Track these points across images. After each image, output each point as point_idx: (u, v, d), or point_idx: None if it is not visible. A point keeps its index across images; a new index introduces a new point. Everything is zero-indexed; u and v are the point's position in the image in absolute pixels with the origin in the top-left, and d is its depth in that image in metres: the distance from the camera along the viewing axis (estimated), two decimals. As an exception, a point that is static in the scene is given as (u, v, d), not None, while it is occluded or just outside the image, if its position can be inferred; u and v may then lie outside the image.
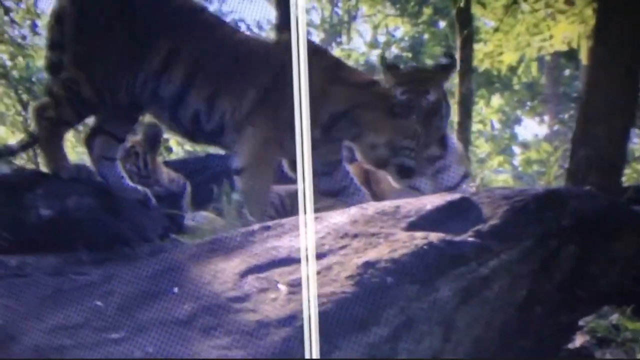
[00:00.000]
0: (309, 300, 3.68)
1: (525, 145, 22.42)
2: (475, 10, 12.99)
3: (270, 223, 4.70)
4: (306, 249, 4.01)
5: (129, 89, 6.16)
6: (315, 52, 6.38)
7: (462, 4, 12.46)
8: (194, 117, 6.23)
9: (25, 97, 21.37)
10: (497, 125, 24.15)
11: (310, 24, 25.07)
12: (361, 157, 6.48)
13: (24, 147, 6.43)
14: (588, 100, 5.88)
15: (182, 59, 6.17)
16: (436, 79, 6.52)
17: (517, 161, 21.72)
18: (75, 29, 6.17)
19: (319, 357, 3.64)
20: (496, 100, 22.24)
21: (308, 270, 3.83)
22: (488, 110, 22.70)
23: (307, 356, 3.64)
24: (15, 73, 21.13)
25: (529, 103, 22.74)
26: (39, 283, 4.64)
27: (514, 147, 23.77)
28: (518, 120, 24.22)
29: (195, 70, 6.17)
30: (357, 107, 6.34)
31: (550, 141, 17.96)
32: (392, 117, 6.33)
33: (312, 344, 3.60)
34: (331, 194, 6.52)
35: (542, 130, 22.42)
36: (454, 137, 6.87)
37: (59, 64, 6.28)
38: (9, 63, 21.22)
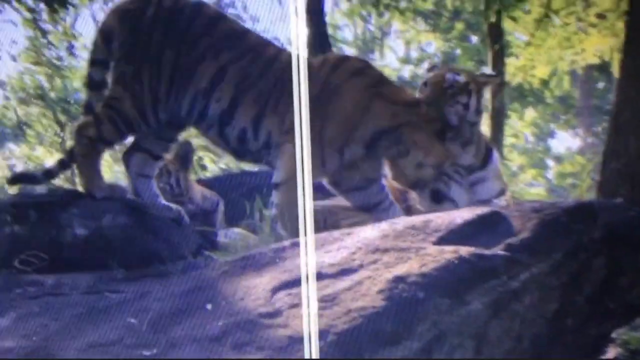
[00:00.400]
0: (308, 298, 3.72)
1: (558, 158, 22.37)
2: (507, 24, 13.00)
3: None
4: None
5: (173, 108, 6.24)
6: (359, 70, 6.47)
7: (493, 19, 12.46)
8: (241, 136, 6.29)
9: (62, 117, 21.61)
10: (531, 139, 24.11)
11: (343, 41, 25.15)
12: (398, 175, 6.49)
13: (63, 167, 6.46)
14: (618, 112, 5.87)
15: (229, 78, 6.22)
16: (484, 84, 6.58)
17: (550, 174, 21.67)
18: (123, 48, 6.25)
19: (318, 357, 3.67)
20: (529, 113, 22.19)
21: (307, 260, 3.85)
22: (521, 123, 22.66)
23: (306, 356, 3.67)
24: (52, 94, 21.38)
25: (562, 116, 22.67)
26: (75, 301, 4.70)
27: (547, 160, 23.73)
28: (552, 133, 24.17)
29: (242, 90, 6.24)
30: (404, 126, 6.37)
31: (584, 154, 17.89)
32: (443, 141, 6.38)
33: (312, 344, 3.65)
34: (366, 208, 6.55)
35: (576, 143, 22.32)
36: (496, 153, 6.89)
37: (99, 81, 6.36)
38: (46, 84, 21.48)
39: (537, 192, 19.73)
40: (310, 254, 4.10)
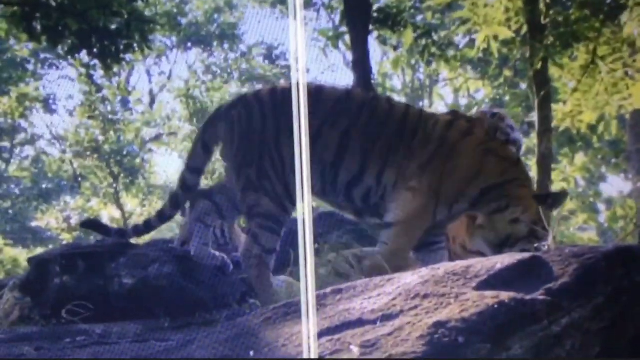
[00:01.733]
0: (307, 293, 3.75)
1: (609, 202, 22.20)
2: (553, 71, 13.02)
3: (343, 286, 4.78)
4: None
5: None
6: (469, 130, 6.58)
7: (538, 66, 12.49)
8: (366, 194, 6.43)
9: (116, 169, 21.92)
10: (582, 183, 23.98)
11: (392, 89, 25.26)
12: (489, 230, 6.56)
13: (148, 228, 6.67)
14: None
15: (354, 144, 6.39)
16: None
17: (602, 218, 21.51)
18: (240, 153, 6.43)
19: (318, 357, 3.71)
20: (579, 158, 22.11)
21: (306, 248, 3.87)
22: (572, 168, 22.55)
23: (306, 356, 3.71)
24: (106, 147, 21.71)
25: (613, 160, 22.55)
26: (122, 350, 4.78)
27: (599, 204, 23.58)
28: (603, 177, 24.03)
29: (368, 151, 6.39)
30: (509, 182, 6.49)
31: (635, 197, 17.75)
32: (541, 204, 6.47)
33: (311, 344, 3.68)
34: (419, 247, 6.62)
35: (627, 186, 22.18)
36: None
37: (192, 185, 6.62)
38: (100, 138, 21.83)
39: (588, 236, 19.61)
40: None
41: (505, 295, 4.29)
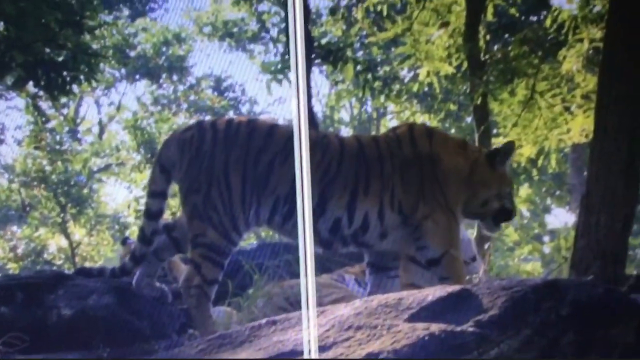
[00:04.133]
0: (306, 291, 3.83)
1: (554, 234, 22.42)
2: (494, 106, 13.22)
3: (277, 317, 4.85)
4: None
5: (249, 221, 6.43)
6: (429, 132, 6.79)
7: (478, 101, 12.69)
8: (334, 226, 6.46)
9: (63, 200, 21.79)
10: (526, 214, 24.22)
11: (340, 121, 25.42)
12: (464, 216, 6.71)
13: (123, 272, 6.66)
14: (590, 191, 6.04)
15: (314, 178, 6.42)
16: None
17: (547, 249, 21.70)
18: (187, 178, 6.43)
19: (317, 357, 3.79)
20: (524, 190, 22.35)
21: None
22: (516, 199, 22.78)
23: (306, 356, 3.79)
24: (54, 177, 21.60)
25: (557, 192, 22.83)
26: (60, 380, 4.81)
27: (543, 235, 23.82)
28: (547, 209, 24.30)
29: (328, 183, 6.44)
30: (471, 173, 6.64)
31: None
32: (494, 169, 6.57)
33: (311, 344, 3.76)
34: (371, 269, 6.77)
35: (572, 218, 22.45)
36: None
37: (157, 211, 6.58)
38: (48, 168, 21.72)
39: (533, 267, 19.79)
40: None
41: (435, 327, 4.36)
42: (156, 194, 6.58)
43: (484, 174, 6.59)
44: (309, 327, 4.11)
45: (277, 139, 6.42)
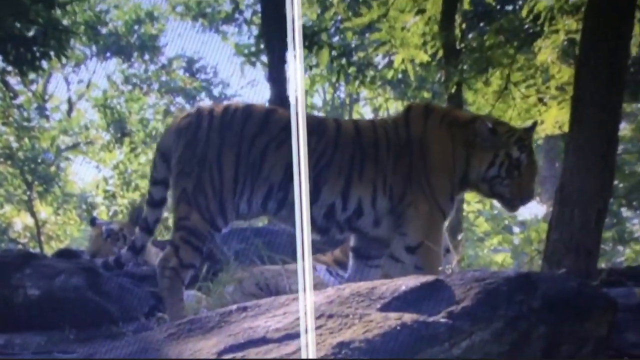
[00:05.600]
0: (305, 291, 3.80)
1: (524, 225, 22.52)
2: (468, 95, 13.24)
3: (248, 304, 4.82)
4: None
5: (241, 207, 6.38)
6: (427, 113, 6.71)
7: (453, 90, 12.70)
8: (328, 211, 6.43)
9: (29, 177, 21.63)
10: (497, 205, 24.27)
11: (313, 106, 25.38)
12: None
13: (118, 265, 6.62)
14: (564, 184, 6.03)
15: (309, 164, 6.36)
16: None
17: (517, 240, 21.79)
18: (180, 164, 6.39)
19: (316, 357, 3.76)
20: (496, 180, 22.37)
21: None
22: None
23: (304, 356, 3.76)
24: (20, 154, 21.42)
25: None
26: (25, 361, 4.76)
27: (513, 226, 23.91)
28: (519, 200, 24.34)
29: (321, 169, 6.40)
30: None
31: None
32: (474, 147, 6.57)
33: (309, 344, 3.74)
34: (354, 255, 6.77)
35: (542, 210, 22.55)
36: None
37: (160, 200, 6.57)
38: (15, 144, 21.52)
39: (502, 257, 19.86)
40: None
41: (408, 317, 4.35)
42: (157, 181, 6.57)
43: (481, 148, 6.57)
44: (306, 314, 4.07)
45: (273, 124, 6.39)
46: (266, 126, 6.38)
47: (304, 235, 3.92)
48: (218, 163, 6.31)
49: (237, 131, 6.36)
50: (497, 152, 6.47)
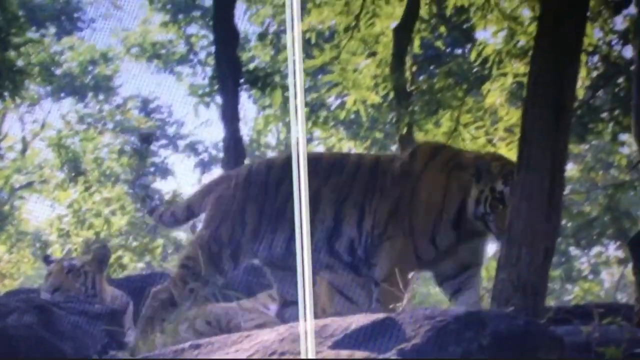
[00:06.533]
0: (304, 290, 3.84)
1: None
2: (419, 136, 13.34)
3: (201, 341, 4.85)
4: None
5: (259, 252, 6.56)
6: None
7: (404, 131, 12.81)
8: (350, 246, 6.56)
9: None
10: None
11: (267, 145, 25.43)
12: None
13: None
14: (511, 223, 6.13)
15: (325, 200, 6.53)
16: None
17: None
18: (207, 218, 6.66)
19: (315, 357, 3.81)
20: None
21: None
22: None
23: (303, 356, 3.81)
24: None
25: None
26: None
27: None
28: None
29: (341, 203, 6.54)
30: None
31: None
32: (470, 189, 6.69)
33: (308, 344, 3.79)
34: None
35: (493, 248, 22.70)
36: None
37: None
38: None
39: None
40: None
41: (359, 355, 4.41)
42: None
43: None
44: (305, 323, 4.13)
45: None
46: (287, 172, 6.49)
47: (305, 266, 3.99)
48: (241, 217, 6.58)
49: (260, 184, 6.61)
50: (483, 188, 6.59)
